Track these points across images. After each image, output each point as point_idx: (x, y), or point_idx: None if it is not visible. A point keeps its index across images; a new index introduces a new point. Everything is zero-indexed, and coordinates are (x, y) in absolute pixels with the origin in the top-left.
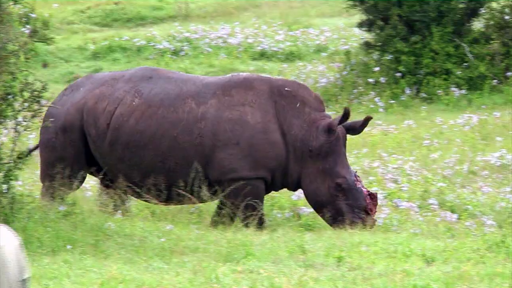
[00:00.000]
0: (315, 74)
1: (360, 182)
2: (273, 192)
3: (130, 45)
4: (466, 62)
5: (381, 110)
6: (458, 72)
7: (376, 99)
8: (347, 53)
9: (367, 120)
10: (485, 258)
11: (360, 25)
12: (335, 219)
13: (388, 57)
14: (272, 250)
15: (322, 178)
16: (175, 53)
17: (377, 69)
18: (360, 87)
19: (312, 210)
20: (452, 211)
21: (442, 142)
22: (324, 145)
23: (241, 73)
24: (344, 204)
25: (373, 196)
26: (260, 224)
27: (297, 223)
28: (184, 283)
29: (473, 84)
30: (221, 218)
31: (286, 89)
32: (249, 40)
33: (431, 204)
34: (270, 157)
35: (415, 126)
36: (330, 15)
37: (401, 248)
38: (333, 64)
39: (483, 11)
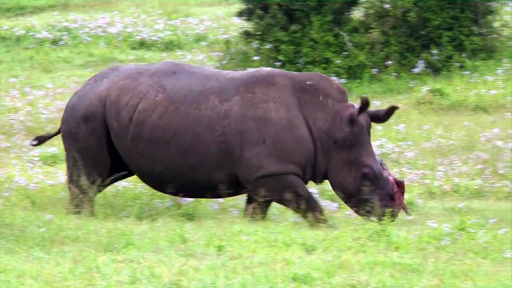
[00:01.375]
0: (195, 63)
1: (386, 170)
2: None
3: (9, 34)
4: (345, 51)
5: None
6: (338, 61)
7: None
8: (227, 42)
9: (391, 109)
10: (366, 247)
11: (240, 14)
12: (364, 209)
13: (268, 46)
14: (153, 240)
15: (348, 169)
16: (55, 42)
17: (256, 58)
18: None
19: (192, 199)
20: (333, 200)
21: None
22: (348, 136)
23: (264, 68)
24: (372, 193)
25: (400, 184)
26: (316, 211)
27: (178, 212)
28: (65, 273)
29: (353, 73)
30: (253, 214)
31: (308, 82)
32: (129, 30)
33: (312, 193)
34: (297, 152)
35: None
36: (210, 4)
37: (281, 237)
38: (213, 53)
39: (363, 0)
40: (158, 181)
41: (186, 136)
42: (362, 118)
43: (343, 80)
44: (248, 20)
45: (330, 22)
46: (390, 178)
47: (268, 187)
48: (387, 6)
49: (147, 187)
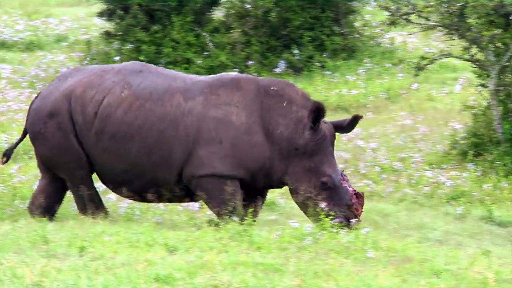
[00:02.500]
0: (55, 64)
1: (346, 181)
2: (14, 181)
3: None
4: (206, 51)
5: None
6: (199, 61)
7: None
8: (88, 42)
9: (355, 119)
10: (228, 247)
11: (100, 14)
12: (321, 218)
13: (129, 46)
14: (14, 241)
15: (308, 176)
16: None
17: (118, 58)
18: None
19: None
20: (194, 200)
21: None
22: (309, 143)
23: (230, 73)
24: (329, 203)
25: (359, 196)
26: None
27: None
28: None
29: (214, 73)
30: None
31: (272, 88)
32: None
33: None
34: (251, 158)
35: None
36: (70, 5)
37: (143, 238)
38: (74, 53)
39: (223, 0)
40: (119, 180)
41: (150, 133)
42: (326, 127)
43: None
44: (109, 20)
45: (191, 22)
46: (350, 189)
47: (208, 187)
48: (248, 6)
49: (8, 187)
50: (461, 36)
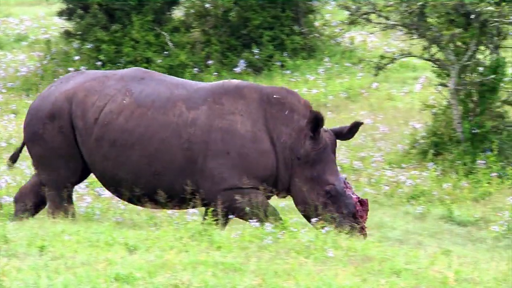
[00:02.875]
0: (15, 63)
1: (350, 188)
2: None
3: None
4: (166, 50)
5: None
6: (159, 61)
7: None
8: (48, 42)
9: (355, 125)
10: (188, 246)
11: (60, 14)
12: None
13: (89, 46)
14: None
15: (311, 186)
16: None
17: (77, 58)
18: (60, 76)
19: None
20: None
21: None
22: (311, 153)
23: (233, 80)
24: (334, 212)
25: (363, 203)
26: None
27: (0, 212)
28: None
29: (174, 73)
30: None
31: (274, 96)
32: None
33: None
34: (260, 166)
35: None
36: (30, 4)
37: (103, 237)
38: (34, 53)
39: None
40: (120, 187)
41: (151, 141)
42: (326, 136)
43: None
44: (68, 19)
45: (151, 21)
46: (354, 196)
47: (231, 199)
48: (207, 5)
49: None
50: (421, 36)
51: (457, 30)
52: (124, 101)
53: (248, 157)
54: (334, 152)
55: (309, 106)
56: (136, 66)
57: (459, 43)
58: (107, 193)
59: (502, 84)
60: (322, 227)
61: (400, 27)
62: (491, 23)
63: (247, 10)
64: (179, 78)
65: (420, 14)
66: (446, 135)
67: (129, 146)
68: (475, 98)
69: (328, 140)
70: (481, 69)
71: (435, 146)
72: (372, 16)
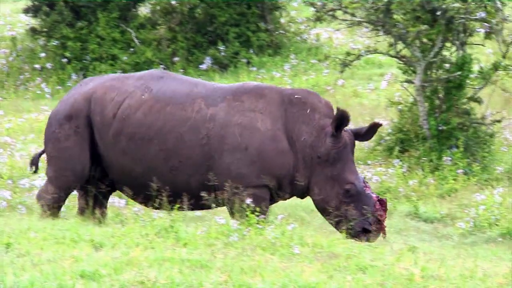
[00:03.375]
0: None
1: (368, 188)
2: None
3: None
4: (132, 47)
5: (48, 96)
6: (125, 58)
7: (43, 85)
8: (13, 39)
9: (374, 126)
10: (154, 243)
11: (26, 11)
12: (345, 226)
13: (54, 42)
14: None
15: (331, 184)
16: None
17: (43, 55)
18: (26, 73)
19: None
20: (120, 197)
21: None
22: (331, 151)
23: (252, 82)
24: (353, 211)
25: (382, 202)
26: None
27: None
28: None
29: (140, 70)
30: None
31: (296, 96)
32: None
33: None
34: (277, 165)
35: None
36: None
37: (69, 234)
38: None
39: None
40: (137, 183)
41: (169, 136)
42: (346, 135)
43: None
44: (34, 16)
45: (117, 18)
46: (373, 196)
47: (250, 196)
48: (173, 2)
49: None
50: (387, 32)
51: (423, 27)
52: (143, 97)
53: (266, 155)
54: (352, 152)
55: (330, 105)
56: (102, 63)
57: (425, 40)
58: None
59: (468, 81)
60: (348, 236)
61: (366, 24)
62: (457, 20)
63: (213, 7)
64: (198, 79)
65: (386, 11)
66: (412, 132)
67: (147, 141)
68: (441, 95)
69: (348, 139)
70: (447, 66)
71: (401, 143)
72: (338, 13)
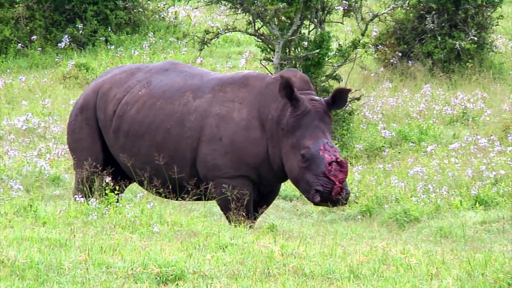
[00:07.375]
0: None
1: (327, 150)
2: None
3: None
4: None
5: None
6: None
7: None
8: None
9: (338, 94)
10: (13, 222)
11: None
12: (309, 193)
13: None
14: None
15: (293, 153)
16: None
17: None
18: None
19: None
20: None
21: None
22: (290, 119)
23: (245, 71)
24: (309, 174)
25: (340, 163)
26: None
27: None
28: None
29: None
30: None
31: (273, 77)
32: None
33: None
34: (249, 154)
35: None
36: None
37: None
38: None
39: None
40: (139, 177)
41: (158, 131)
42: (311, 103)
43: None
44: None
45: None
46: (327, 157)
47: (223, 186)
48: None
49: None
50: (246, 10)
51: (281, 5)
52: (140, 92)
53: (238, 145)
54: (322, 120)
55: (305, 79)
56: None
57: (283, 18)
58: None
59: (327, 59)
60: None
61: (224, 2)
62: None
63: None
64: (204, 69)
65: None
66: None
67: (140, 137)
68: None
69: (312, 106)
70: (305, 44)
71: None
72: None
